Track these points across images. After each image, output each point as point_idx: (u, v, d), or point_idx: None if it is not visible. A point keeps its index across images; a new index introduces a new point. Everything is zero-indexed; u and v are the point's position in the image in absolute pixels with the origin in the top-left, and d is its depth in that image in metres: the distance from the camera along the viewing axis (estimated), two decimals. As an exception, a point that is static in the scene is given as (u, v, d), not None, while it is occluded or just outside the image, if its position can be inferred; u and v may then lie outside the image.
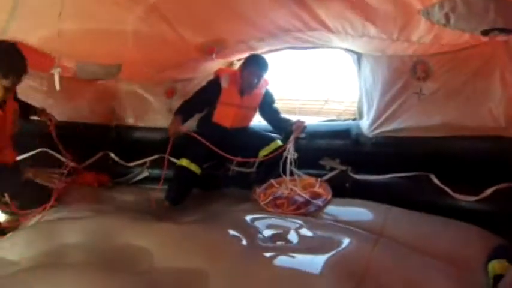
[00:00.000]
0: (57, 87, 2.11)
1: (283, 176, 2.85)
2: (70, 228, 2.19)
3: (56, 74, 2.07)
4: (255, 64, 3.03)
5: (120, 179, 3.74)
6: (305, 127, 2.97)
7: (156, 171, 3.68)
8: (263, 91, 3.21)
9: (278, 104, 3.37)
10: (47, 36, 2.28)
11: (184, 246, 2.00)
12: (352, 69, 3.31)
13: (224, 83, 3.04)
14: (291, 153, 2.81)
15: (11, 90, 2.50)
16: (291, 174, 2.85)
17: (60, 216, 2.48)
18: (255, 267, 1.79)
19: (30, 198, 2.61)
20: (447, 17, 1.77)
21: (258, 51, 3.12)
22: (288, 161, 2.81)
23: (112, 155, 3.89)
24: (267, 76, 3.16)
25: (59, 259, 1.92)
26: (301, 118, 3.08)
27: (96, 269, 1.79)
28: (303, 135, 3.03)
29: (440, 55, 2.56)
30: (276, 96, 3.33)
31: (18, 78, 2.41)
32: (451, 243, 2.08)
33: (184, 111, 3.04)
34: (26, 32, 2.34)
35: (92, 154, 3.87)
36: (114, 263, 1.86)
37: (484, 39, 2.00)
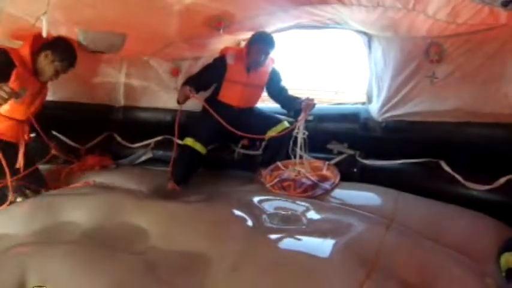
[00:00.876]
0: (44, 34, 2.05)
1: (292, 158, 2.80)
2: (69, 204, 2.16)
3: (44, 20, 2.00)
4: (261, 41, 2.98)
5: (124, 160, 3.69)
6: (314, 105, 2.90)
7: (160, 153, 3.66)
8: (270, 69, 3.16)
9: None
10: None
11: (187, 226, 1.95)
12: (362, 57, 3.25)
13: (230, 60, 3.01)
14: (301, 133, 2.76)
15: (57, 75, 2.70)
16: (300, 156, 2.80)
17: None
18: (259, 249, 1.74)
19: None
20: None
21: (266, 29, 3.05)
22: (299, 141, 2.76)
23: (116, 136, 3.85)
24: (274, 54, 3.11)
25: (56, 235, 1.89)
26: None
27: (92, 247, 1.76)
28: (310, 118, 2.98)
29: (455, 37, 2.47)
30: (286, 87, 3.26)
31: (68, 67, 2.71)
32: (463, 232, 2.03)
33: (189, 84, 2.95)
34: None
35: (97, 135, 3.82)
36: (111, 241, 1.83)
37: (504, 13, 1.92)
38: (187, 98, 2.91)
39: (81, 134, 3.72)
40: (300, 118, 2.82)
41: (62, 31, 2.66)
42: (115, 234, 1.89)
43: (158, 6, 2.43)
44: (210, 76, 3.09)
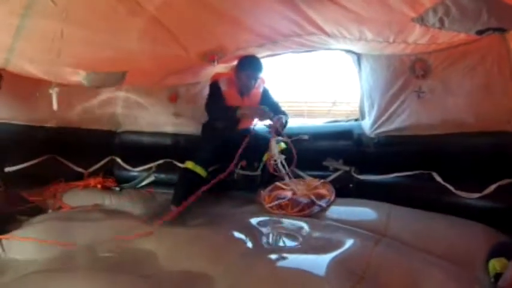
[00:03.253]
0: (55, 107, 2.15)
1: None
2: (79, 230, 2.26)
3: (54, 93, 2.10)
4: (248, 66, 3.05)
5: (127, 184, 3.78)
6: (282, 124, 3.00)
7: (161, 176, 3.75)
8: (261, 89, 3.25)
9: (286, 107, 3.39)
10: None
11: (189, 250, 2.05)
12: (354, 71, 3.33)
13: (223, 86, 3.08)
14: (278, 158, 2.89)
15: None
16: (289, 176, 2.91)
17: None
18: (259, 269, 1.83)
19: None
20: (441, 21, 1.81)
21: (258, 55, 3.13)
22: (280, 165, 2.89)
23: (118, 159, 3.97)
24: (263, 75, 3.19)
25: (69, 261, 1.98)
26: (309, 120, 3.10)
27: (105, 272, 1.85)
28: (305, 137, 3.07)
29: (438, 52, 2.58)
30: (284, 99, 3.35)
31: None
32: (452, 240, 2.10)
33: (223, 108, 3.02)
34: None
35: (98, 160, 3.96)
36: (122, 266, 1.92)
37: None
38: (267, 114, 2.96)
39: (84, 158, 3.86)
40: (271, 145, 2.93)
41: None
42: (126, 258, 1.99)
43: (155, 49, 2.56)
44: (222, 97, 3.08)
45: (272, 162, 2.91)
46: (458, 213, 2.40)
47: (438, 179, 2.67)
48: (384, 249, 1.94)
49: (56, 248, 2.09)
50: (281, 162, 2.91)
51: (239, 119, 3.02)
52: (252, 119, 3.07)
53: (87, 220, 2.43)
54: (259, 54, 3.09)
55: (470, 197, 2.51)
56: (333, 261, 1.80)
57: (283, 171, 2.90)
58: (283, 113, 3.21)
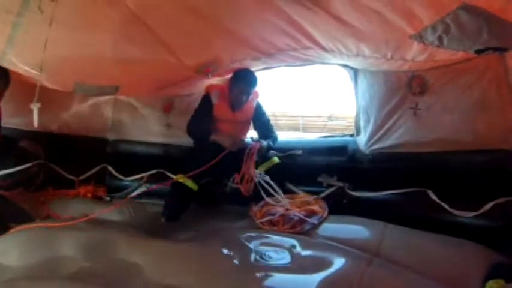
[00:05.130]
0: (35, 124, 2.13)
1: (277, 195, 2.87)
2: (66, 239, 2.19)
3: (35, 109, 2.07)
4: (242, 81, 3.02)
5: (118, 194, 3.73)
6: (260, 149, 3.00)
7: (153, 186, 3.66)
8: (254, 104, 3.22)
9: (282, 121, 3.38)
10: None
11: (176, 264, 1.99)
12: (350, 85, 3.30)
13: (214, 99, 3.06)
14: (261, 178, 2.89)
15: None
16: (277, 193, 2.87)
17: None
18: (246, 286, 1.77)
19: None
20: (440, 39, 1.78)
21: (253, 68, 3.10)
22: (264, 185, 2.87)
23: (110, 168, 3.91)
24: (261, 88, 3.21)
25: (53, 270, 1.93)
26: (305, 134, 3.07)
27: (89, 284, 1.79)
28: (299, 152, 3.04)
29: (435, 69, 2.55)
30: (279, 113, 3.34)
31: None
32: (448, 261, 2.04)
33: (200, 129, 3.06)
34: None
35: (89, 168, 3.89)
36: (107, 278, 1.87)
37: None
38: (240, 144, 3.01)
39: (75, 166, 3.81)
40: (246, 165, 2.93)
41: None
42: (110, 270, 1.93)
43: (149, 59, 2.52)
44: (207, 114, 3.10)
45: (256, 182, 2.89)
46: (454, 232, 2.35)
47: (433, 197, 2.63)
48: (376, 270, 1.88)
49: (39, 255, 2.04)
50: (264, 181, 2.89)
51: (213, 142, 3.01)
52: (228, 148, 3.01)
53: (73, 229, 2.36)
54: (255, 67, 3.07)
55: (466, 215, 2.46)
56: (323, 281, 1.74)
57: (268, 189, 2.87)
58: (273, 132, 3.24)
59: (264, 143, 3.05)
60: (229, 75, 3.15)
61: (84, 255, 2.07)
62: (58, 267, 1.97)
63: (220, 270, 1.94)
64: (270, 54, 2.69)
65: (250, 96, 3.10)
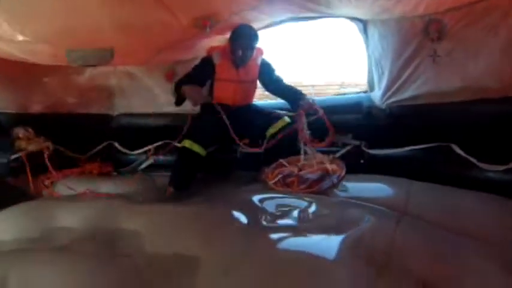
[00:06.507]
0: None
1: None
2: (62, 210, 2.08)
3: None
4: (243, 36, 2.87)
5: (125, 169, 3.64)
6: (315, 110, 2.76)
7: (160, 158, 3.58)
8: (259, 62, 3.05)
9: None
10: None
11: (181, 229, 1.82)
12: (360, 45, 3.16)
13: (216, 60, 2.91)
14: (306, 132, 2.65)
15: None
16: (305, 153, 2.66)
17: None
18: (257, 251, 1.58)
19: None
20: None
21: (256, 25, 2.94)
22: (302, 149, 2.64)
23: (116, 144, 3.82)
24: (266, 47, 3.02)
25: (45, 242, 1.82)
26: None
27: (78, 252, 1.68)
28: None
29: (454, 11, 2.37)
30: (290, 82, 3.14)
31: None
32: (483, 218, 1.85)
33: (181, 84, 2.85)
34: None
35: (95, 146, 3.82)
36: (101, 246, 1.73)
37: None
38: (205, 99, 2.84)
39: (81, 144, 3.73)
40: (298, 125, 2.69)
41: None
42: (106, 239, 1.80)
43: (141, 14, 2.36)
44: (201, 76, 2.95)
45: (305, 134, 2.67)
46: (482, 188, 2.16)
47: (459, 151, 2.45)
48: (408, 230, 1.68)
49: (36, 229, 1.93)
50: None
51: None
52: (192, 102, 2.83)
53: (73, 202, 2.25)
54: (256, 22, 2.93)
55: (496, 169, 2.28)
56: (348, 242, 1.54)
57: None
58: (290, 89, 3.02)
59: (311, 100, 2.83)
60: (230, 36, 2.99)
61: (81, 226, 1.94)
62: (53, 239, 1.85)
63: (229, 234, 1.75)
64: (270, 2, 2.53)
65: (253, 52, 2.94)
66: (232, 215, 1.89)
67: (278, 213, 1.94)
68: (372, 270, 1.36)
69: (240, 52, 2.85)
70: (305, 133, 2.63)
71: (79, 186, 2.92)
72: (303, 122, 2.67)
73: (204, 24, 2.65)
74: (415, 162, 2.65)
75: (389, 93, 2.80)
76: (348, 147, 2.95)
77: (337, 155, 2.90)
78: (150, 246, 1.72)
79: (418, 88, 2.64)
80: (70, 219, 1.99)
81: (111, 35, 2.57)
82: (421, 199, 2.09)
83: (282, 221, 1.84)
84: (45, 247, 1.76)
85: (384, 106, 2.86)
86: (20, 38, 2.35)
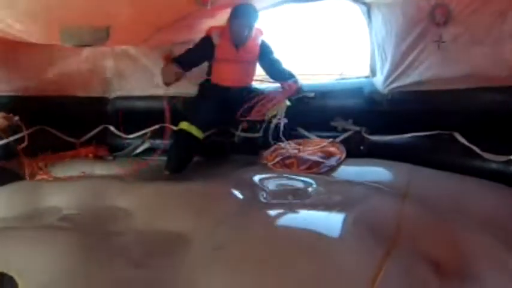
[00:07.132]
0: None
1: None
2: (54, 189, 2.06)
3: None
4: (241, 14, 2.82)
5: (121, 152, 3.57)
6: (298, 89, 2.77)
7: (157, 142, 3.51)
8: (258, 42, 3.00)
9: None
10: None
11: (173, 207, 1.80)
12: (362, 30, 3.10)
13: (216, 40, 2.87)
14: (281, 120, 2.68)
15: None
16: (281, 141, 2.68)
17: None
18: (253, 228, 1.53)
19: None
20: None
21: (258, 4, 2.89)
22: (281, 127, 2.66)
23: (112, 127, 3.73)
24: (262, 26, 2.98)
25: (35, 220, 1.78)
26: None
27: (64, 231, 1.65)
28: (311, 95, 2.81)
29: (461, -6, 2.30)
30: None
31: None
32: (487, 204, 1.82)
33: (177, 62, 2.83)
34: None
35: (91, 129, 3.73)
36: (91, 225, 1.70)
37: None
38: (175, 78, 2.79)
39: (76, 128, 3.64)
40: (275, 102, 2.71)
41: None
42: (95, 217, 1.76)
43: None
44: (198, 54, 2.93)
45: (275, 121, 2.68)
46: (484, 177, 2.14)
47: (461, 139, 2.41)
48: (415, 208, 1.64)
49: (25, 207, 1.91)
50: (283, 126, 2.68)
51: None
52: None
53: (65, 182, 2.20)
54: (257, 2, 2.87)
55: (498, 159, 2.24)
56: (353, 220, 1.48)
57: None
58: (286, 72, 2.97)
59: (300, 82, 2.84)
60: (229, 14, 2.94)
61: (71, 204, 1.92)
62: (43, 217, 1.83)
63: (223, 211, 1.71)
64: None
65: (252, 31, 2.89)
66: (226, 191, 1.85)
67: (277, 191, 1.90)
68: (380, 247, 1.31)
69: (240, 30, 2.81)
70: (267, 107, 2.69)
71: (74, 170, 2.86)
72: (278, 98, 2.71)
73: (205, 1, 2.58)
74: (416, 149, 2.61)
75: (391, 78, 2.75)
76: (349, 133, 2.90)
77: (337, 140, 2.85)
78: (141, 223, 1.67)
79: (422, 74, 2.59)
80: (60, 198, 1.97)
81: (109, 9, 2.48)
82: (423, 183, 2.07)
83: (280, 198, 1.79)
84: (30, 225, 1.73)
85: (385, 91, 2.81)
86: (11, 15, 2.28)
